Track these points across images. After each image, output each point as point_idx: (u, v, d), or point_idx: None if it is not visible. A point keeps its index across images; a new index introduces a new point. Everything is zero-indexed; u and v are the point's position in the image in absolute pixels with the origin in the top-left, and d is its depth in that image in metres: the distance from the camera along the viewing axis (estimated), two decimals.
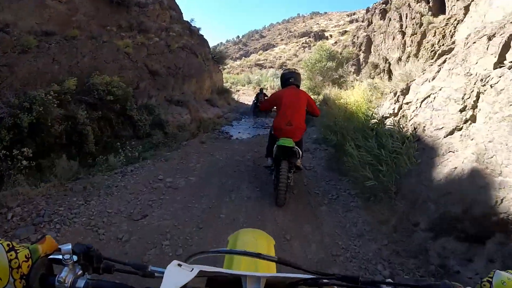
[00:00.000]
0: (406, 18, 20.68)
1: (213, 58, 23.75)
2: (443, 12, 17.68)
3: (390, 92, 8.43)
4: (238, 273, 1.04)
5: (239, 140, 12.39)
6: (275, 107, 6.51)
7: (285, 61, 60.56)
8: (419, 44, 18.49)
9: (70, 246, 0.90)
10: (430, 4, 19.04)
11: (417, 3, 20.08)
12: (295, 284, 1.01)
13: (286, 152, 5.67)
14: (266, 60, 64.20)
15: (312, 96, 14.64)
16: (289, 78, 6.55)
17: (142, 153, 9.60)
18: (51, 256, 0.94)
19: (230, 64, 62.82)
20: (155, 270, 0.98)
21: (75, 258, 0.91)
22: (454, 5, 16.28)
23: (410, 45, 19.51)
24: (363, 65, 26.62)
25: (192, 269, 0.96)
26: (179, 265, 0.97)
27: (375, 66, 23.98)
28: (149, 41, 16.58)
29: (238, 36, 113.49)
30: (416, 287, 0.83)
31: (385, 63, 22.53)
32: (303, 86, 22.89)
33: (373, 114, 7.95)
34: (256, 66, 60.60)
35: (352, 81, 24.94)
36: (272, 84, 35.69)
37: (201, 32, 22.74)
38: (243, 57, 74.43)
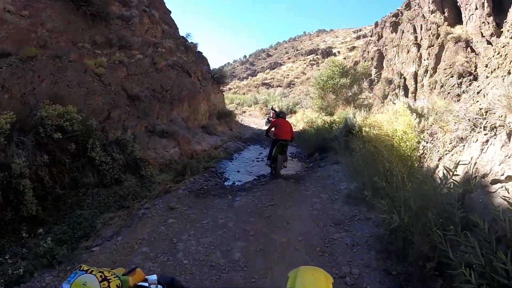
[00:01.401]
0: (421, 29, 19.85)
1: (212, 77, 20.46)
2: (460, 22, 17.05)
3: (480, 128, 4.95)
4: None
5: (240, 192, 8.40)
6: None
7: (293, 80, 57.67)
8: (438, 57, 17.47)
9: (155, 277, 1.00)
10: (446, 14, 18.15)
11: (431, 14, 19.04)
12: None
13: (283, 148, 9.69)
14: (274, 79, 61.32)
15: (325, 117, 17.77)
16: (280, 114, 10.89)
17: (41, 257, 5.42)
18: (139, 283, 1.00)
19: (237, 84, 61.12)
20: None
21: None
22: (473, 14, 15.43)
23: (427, 58, 18.41)
24: (375, 81, 25.11)
25: None
26: None
27: (389, 81, 22.58)
28: (130, 58, 13.67)
29: (245, 56, 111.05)
30: None
31: (400, 78, 21.41)
32: (315, 106, 23.48)
33: (451, 168, 4.23)
34: (263, 85, 57.42)
35: (366, 98, 22.18)
36: (280, 104, 32.46)
37: (201, 49, 19.86)
38: (250, 77, 71.92)
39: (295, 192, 8.04)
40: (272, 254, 5.10)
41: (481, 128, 4.74)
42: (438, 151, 6.04)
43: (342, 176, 8.73)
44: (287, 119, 10.94)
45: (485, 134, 4.48)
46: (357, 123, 10.53)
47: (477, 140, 4.68)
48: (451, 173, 3.88)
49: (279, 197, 7.57)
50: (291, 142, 10.27)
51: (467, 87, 13.40)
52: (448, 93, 15.51)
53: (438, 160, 5.90)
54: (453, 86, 15.45)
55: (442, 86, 16.32)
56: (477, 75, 12.18)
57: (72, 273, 0.92)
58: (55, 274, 4.54)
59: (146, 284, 0.98)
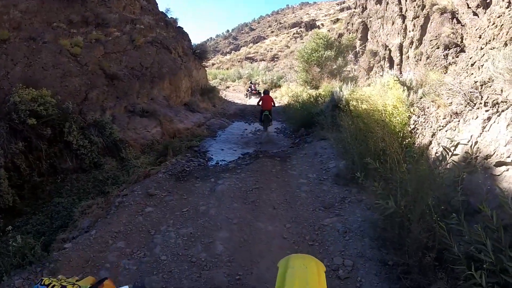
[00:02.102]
0: (406, 0, 19.07)
1: (194, 53, 19.75)
2: None
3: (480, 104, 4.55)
4: None
5: (223, 173, 7.83)
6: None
7: (277, 53, 56.78)
8: (423, 28, 16.87)
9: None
10: None
11: None
12: None
13: (268, 115, 12.84)
14: (257, 53, 60.33)
15: (310, 91, 18.14)
16: (265, 92, 14.49)
17: None
18: None
19: (220, 59, 60.13)
20: None
21: None
22: None
23: (413, 30, 17.85)
24: (360, 53, 24.27)
25: None
26: None
27: (374, 54, 22.03)
28: (107, 37, 13.05)
29: (228, 30, 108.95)
30: None
31: (385, 50, 20.84)
32: (299, 79, 23.21)
33: (449, 146, 3.81)
34: (246, 59, 56.14)
35: (351, 71, 21.82)
36: (264, 78, 31.80)
37: (182, 24, 19.29)
38: (233, 51, 70.76)
39: (281, 172, 7.58)
40: (257, 246, 4.69)
41: (480, 103, 4.35)
42: (431, 127, 5.69)
43: (330, 153, 8.32)
44: (270, 94, 14.92)
45: (486, 111, 4.10)
46: (344, 97, 10.06)
47: (477, 116, 4.29)
48: (450, 152, 3.49)
49: (264, 179, 7.10)
50: (273, 106, 13.67)
51: (453, 58, 13.28)
52: (435, 64, 14.89)
53: (431, 136, 5.56)
54: (439, 57, 14.89)
55: (428, 58, 15.84)
56: (464, 46, 11.81)
57: (33, 287, 0.79)
58: (25, 277, 4.05)
59: None
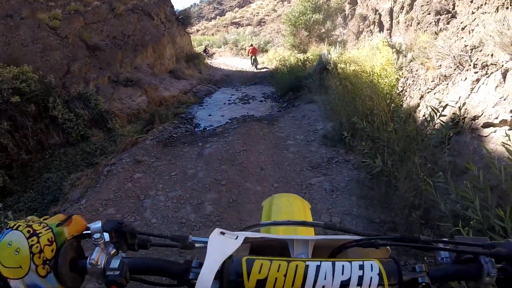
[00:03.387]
0: None
1: (177, 19, 19.29)
2: None
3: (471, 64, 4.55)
4: (285, 237, 0.93)
5: (210, 138, 7.80)
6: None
7: (264, 17, 55.32)
8: None
9: (99, 224, 0.80)
10: None
11: None
12: (346, 246, 0.89)
13: (255, 59, 22.56)
14: (243, 17, 58.73)
15: (298, 55, 17.78)
16: (251, 45, 23.87)
17: None
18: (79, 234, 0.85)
19: (205, 25, 58.56)
20: (196, 240, 0.86)
21: (106, 236, 0.81)
22: None
23: None
24: (349, 17, 23.34)
25: (237, 236, 0.84)
26: (222, 233, 0.84)
27: (364, 18, 21.19)
28: (86, 7, 12.62)
29: None
30: (477, 246, 0.78)
31: (375, 14, 19.99)
32: (287, 43, 22.78)
33: (438, 107, 3.82)
34: (232, 24, 54.82)
35: (340, 35, 21.56)
36: (255, 43, 31.16)
37: None
38: (218, 17, 69.21)
39: (268, 134, 7.59)
40: (246, 205, 4.76)
41: (470, 66, 4.33)
42: (420, 89, 5.68)
43: (318, 115, 8.31)
44: (258, 57, 23.04)
45: (475, 73, 4.07)
46: (332, 59, 9.96)
47: (466, 78, 4.27)
48: (438, 113, 3.50)
49: (251, 141, 7.12)
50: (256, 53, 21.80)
51: (444, 25, 12.53)
52: (425, 30, 14.23)
53: (420, 99, 5.55)
54: (430, 23, 14.03)
55: (418, 23, 14.97)
56: (456, 13, 11.66)
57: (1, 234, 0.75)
58: None
59: (88, 232, 0.80)
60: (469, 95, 4.01)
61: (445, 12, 13.55)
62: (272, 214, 1.51)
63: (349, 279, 0.72)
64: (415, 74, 6.18)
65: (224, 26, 55.21)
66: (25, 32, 9.96)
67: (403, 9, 17.01)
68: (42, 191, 6.62)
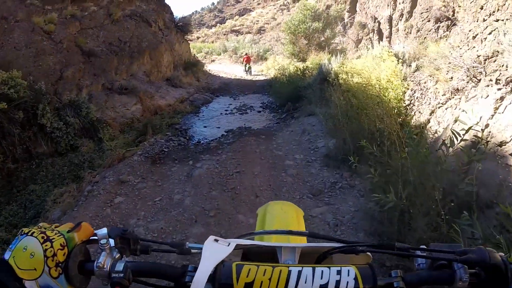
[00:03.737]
0: None
1: (176, 26, 18.83)
2: None
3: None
4: (274, 244, 1.01)
5: (203, 154, 7.20)
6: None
7: (263, 26, 55.09)
8: (413, 0, 15.85)
9: (105, 231, 0.87)
10: None
11: None
12: (330, 252, 0.96)
13: (249, 67, 23.50)
14: (243, 25, 58.55)
15: (298, 63, 17.20)
16: (246, 54, 26.38)
17: None
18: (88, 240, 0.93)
19: (205, 33, 58.38)
20: (192, 246, 0.96)
21: (111, 242, 0.88)
22: None
23: (403, 2, 16.85)
24: (349, 25, 23.32)
25: (229, 243, 0.93)
26: (216, 240, 0.94)
27: (363, 26, 21.16)
28: (83, 12, 12.20)
29: (213, 3, 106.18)
30: (450, 252, 0.82)
31: (374, 22, 20.04)
32: (286, 52, 22.31)
33: (457, 125, 3.31)
34: (232, 32, 54.66)
35: (339, 43, 21.25)
36: (250, 51, 30.77)
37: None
38: (219, 24, 69.23)
39: (265, 152, 6.99)
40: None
41: (490, 80, 3.81)
42: (430, 103, 5.18)
43: (319, 130, 7.73)
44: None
45: (499, 89, 3.56)
46: (332, 69, 9.47)
47: (487, 96, 3.75)
48: (459, 137, 2.97)
49: (246, 161, 6.50)
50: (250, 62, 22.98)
51: (444, 32, 12.62)
52: (425, 38, 14.05)
53: (430, 114, 5.06)
54: (430, 30, 14.08)
55: (418, 31, 14.99)
56: (456, 20, 11.33)
57: (14, 239, 0.81)
58: None
59: (95, 238, 0.87)
60: (492, 115, 3.50)
61: (445, 19, 13.53)
62: (266, 222, 1.55)
63: (327, 283, 0.77)
64: (423, 86, 5.70)
65: (224, 34, 55.25)
66: (19, 35, 9.49)
67: (402, 16, 17.00)
68: (25, 205, 6.18)
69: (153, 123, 9.63)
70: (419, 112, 5.43)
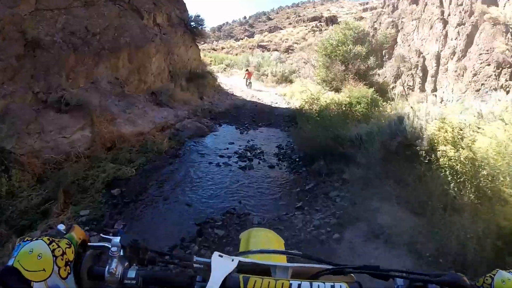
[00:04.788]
0: (450, 3, 16.41)
1: (185, 26, 14.59)
2: (495, 3, 14.45)
3: None
4: (270, 263, 1.08)
5: None
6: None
7: (292, 45, 51.24)
8: (469, 38, 14.36)
9: (118, 239, 0.89)
10: None
11: None
12: (320, 273, 1.03)
13: (250, 82, 22.04)
14: (271, 42, 55.20)
15: (337, 96, 12.96)
16: (247, 69, 24.35)
17: None
18: (99, 244, 0.95)
19: (231, 44, 55.31)
20: (199, 260, 0.97)
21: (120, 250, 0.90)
22: None
23: (456, 38, 15.20)
24: (386, 56, 20.94)
25: (233, 259, 0.98)
26: (220, 256, 0.97)
27: (403, 59, 18.81)
28: None
29: (245, 17, 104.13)
30: (426, 275, 0.89)
31: (419, 57, 17.89)
32: (317, 76, 18.66)
33: None
34: (259, 47, 51.30)
35: (375, 75, 17.21)
36: (274, 70, 26.30)
37: (202, 6, 14.23)
38: (246, 37, 65.97)
39: None
40: None
41: None
42: None
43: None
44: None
45: None
46: (425, 130, 4.81)
47: None
48: None
49: None
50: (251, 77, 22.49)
51: (507, 81, 12.02)
52: (482, 84, 12.86)
53: None
54: (490, 76, 12.70)
55: (475, 75, 13.36)
56: None
57: (16, 247, 0.79)
58: None
59: (108, 245, 0.86)
60: None
61: (507, 66, 12.35)
62: (250, 245, 1.59)
63: None
64: None
65: (250, 48, 51.97)
66: None
67: (454, 55, 15.10)
68: None
69: (71, 179, 5.13)
70: None
